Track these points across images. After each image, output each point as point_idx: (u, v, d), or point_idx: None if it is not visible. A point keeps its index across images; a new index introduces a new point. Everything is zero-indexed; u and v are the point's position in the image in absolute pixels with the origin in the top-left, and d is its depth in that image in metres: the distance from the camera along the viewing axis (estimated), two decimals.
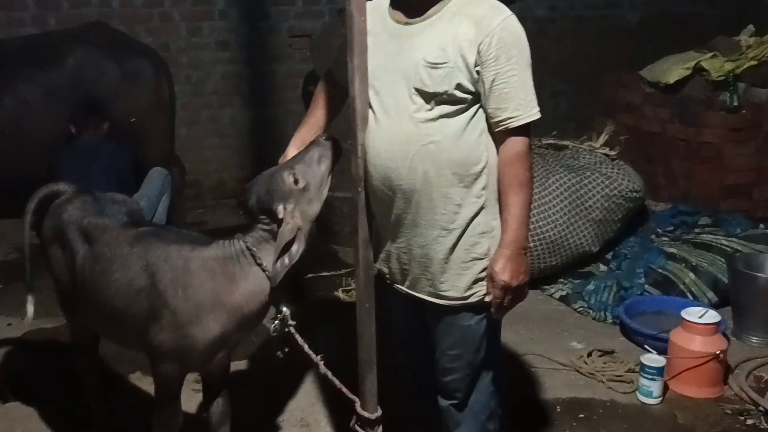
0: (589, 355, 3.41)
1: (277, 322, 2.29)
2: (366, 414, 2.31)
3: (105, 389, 2.92)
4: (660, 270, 3.85)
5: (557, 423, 2.95)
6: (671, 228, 4.17)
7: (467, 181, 1.98)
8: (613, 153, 4.12)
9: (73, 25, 4.99)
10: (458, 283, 2.06)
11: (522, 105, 1.93)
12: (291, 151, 2.31)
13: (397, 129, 1.98)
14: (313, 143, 2.24)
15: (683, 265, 3.83)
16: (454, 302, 2.08)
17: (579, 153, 4.17)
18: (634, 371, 3.24)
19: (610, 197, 3.90)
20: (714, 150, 4.47)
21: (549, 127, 4.41)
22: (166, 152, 4.84)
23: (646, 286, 3.82)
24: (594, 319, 3.81)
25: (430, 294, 2.11)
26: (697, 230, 4.10)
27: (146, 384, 3.21)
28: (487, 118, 1.97)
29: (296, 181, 2.16)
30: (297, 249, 2.13)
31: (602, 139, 4.21)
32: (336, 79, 2.30)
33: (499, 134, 1.97)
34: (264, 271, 2.18)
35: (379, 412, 2.32)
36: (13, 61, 4.54)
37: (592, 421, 2.97)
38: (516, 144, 1.96)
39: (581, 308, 3.87)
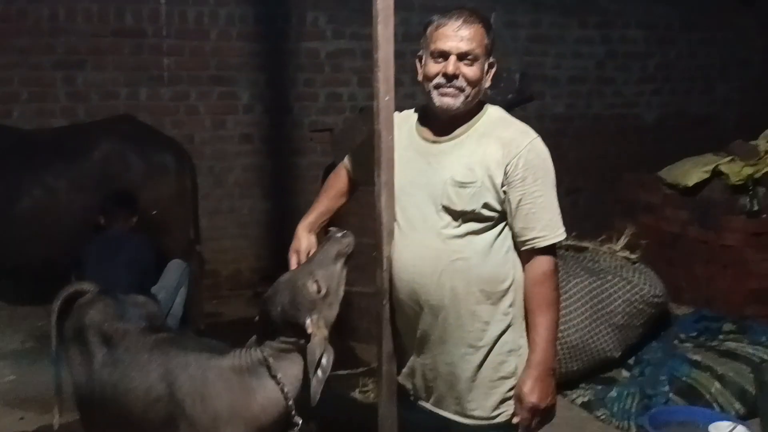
0: None
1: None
2: None
3: None
4: (684, 378, 3.76)
5: None
6: (695, 334, 4.10)
7: (494, 298, 1.98)
8: (634, 257, 4.10)
9: (101, 117, 5.14)
10: (485, 402, 2.03)
11: (548, 225, 1.96)
12: (302, 235, 2.32)
13: (425, 244, 2.00)
14: (328, 240, 2.23)
15: (708, 373, 3.74)
16: (481, 422, 2.05)
17: (599, 255, 4.15)
18: None
19: (632, 302, 3.86)
20: (736, 254, 4.43)
21: (567, 225, 4.38)
22: (186, 243, 4.89)
23: (671, 394, 3.73)
24: (617, 428, 3.70)
25: (456, 413, 2.07)
26: (721, 337, 4.03)
27: None
28: (514, 237, 1.98)
29: (319, 290, 2.14)
30: (328, 360, 2.09)
31: (622, 241, 4.20)
32: (350, 175, 2.33)
33: (525, 253, 1.98)
34: (278, 384, 2.15)
35: None
36: (42, 153, 4.67)
37: None
38: (543, 263, 1.97)
39: (604, 416, 3.76)
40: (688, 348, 4.00)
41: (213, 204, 5.74)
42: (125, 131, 4.82)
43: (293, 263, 2.32)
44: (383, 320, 2.16)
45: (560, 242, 2.00)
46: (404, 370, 2.19)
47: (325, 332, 2.13)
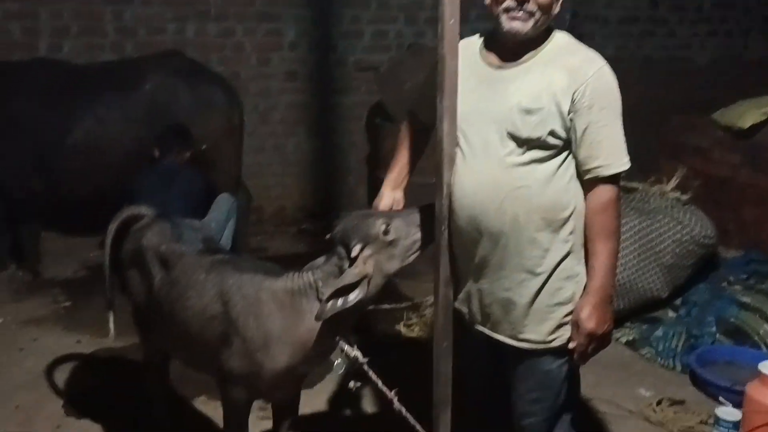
0: (659, 403, 3.33)
1: (339, 360, 2.31)
2: None
3: (173, 408, 2.97)
4: (732, 319, 3.74)
5: None
6: (744, 276, 4.06)
7: (555, 225, 1.98)
8: (684, 197, 4.05)
9: (149, 52, 5.17)
10: (541, 328, 2.05)
11: (613, 154, 1.94)
12: (385, 193, 2.32)
13: (487, 172, 1.99)
14: (423, 209, 2.20)
15: (757, 315, 3.72)
16: (536, 346, 2.07)
17: (649, 196, 4.11)
18: (706, 423, 3.15)
19: (682, 242, 3.83)
20: None
21: None
22: (234, 178, 4.95)
23: (718, 335, 3.73)
24: (662, 366, 3.72)
25: (511, 337, 2.10)
26: None
27: (210, 409, 3.25)
28: (577, 165, 1.97)
29: (386, 232, 2.15)
30: (355, 296, 2.11)
31: (673, 182, 4.15)
32: (420, 118, 2.32)
33: (588, 182, 1.97)
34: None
35: None
36: (93, 86, 4.73)
37: None
38: (605, 192, 1.96)
39: (649, 354, 3.79)
40: (736, 290, 3.97)
41: (258, 141, 5.77)
42: (175, 66, 4.85)
43: None
44: (441, 247, 2.17)
45: (624, 172, 1.98)
46: (460, 295, 2.21)
47: (369, 271, 2.14)
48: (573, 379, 2.16)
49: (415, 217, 2.19)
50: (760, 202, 4.54)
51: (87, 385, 3.48)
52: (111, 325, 2.77)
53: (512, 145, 1.96)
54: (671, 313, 3.98)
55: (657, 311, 3.98)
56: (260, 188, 5.68)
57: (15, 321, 4.18)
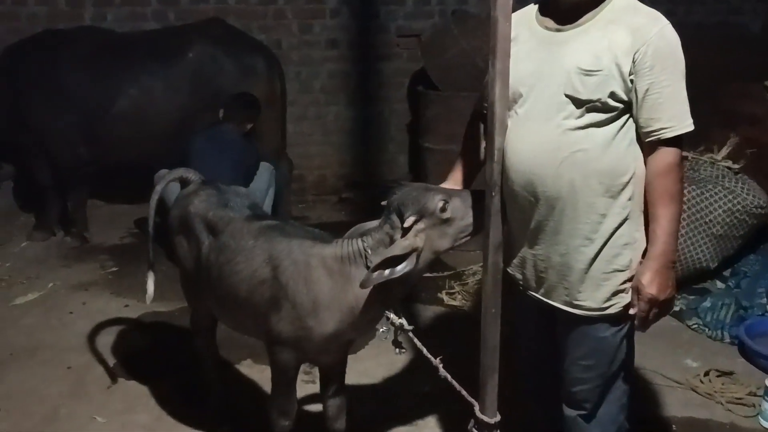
0: (706, 374, 3.28)
1: (385, 328, 2.31)
2: (485, 418, 2.30)
3: (220, 371, 3.02)
4: None
5: None
6: None
7: (613, 191, 1.94)
8: (736, 166, 3.95)
9: (191, 20, 5.19)
10: (597, 294, 2.02)
11: (676, 116, 1.89)
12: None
13: (544, 136, 1.96)
14: (475, 194, 2.17)
15: None
16: (592, 313, 2.04)
17: (699, 165, 4.01)
18: (755, 395, 3.10)
19: (733, 212, 3.74)
20: None
21: None
22: (276, 147, 4.97)
23: None
24: (709, 337, 3.67)
25: (565, 303, 2.07)
26: None
27: (255, 372, 3.31)
28: (638, 128, 1.92)
29: (443, 209, 2.13)
30: (402, 267, 2.09)
31: (724, 151, 4.05)
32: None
33: (649, 145, 1.92)
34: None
35: (498, 417, 2.30)
36: (137, 55, 4.77)
37: None
38: (668, 155, 1.90)
39: (696, 325, 3.73)
40: None
41: (299, 110, 5.78)
42: (217, 34, 4.86)
43: None
44: (492, 212, 2.14)
45: (687, 134, 1.92)
46: (514, 261, 2.19)
47: (419, 244, 2.13)
48: (628, 348, 2.12)
49: (469, 200, 2.17)
50: None
51: (136, 348, 3.56)
52: (150, 285, 2.80)
53: (570, 108, 1.92)
54: (719, 284, 3.90)
55: (705, 282, 3.91)
56: (301, 157, 5.70)
57: (64, 286, 4.29)
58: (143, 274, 4.31)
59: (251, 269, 2.35)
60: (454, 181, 2.31)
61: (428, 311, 3.98)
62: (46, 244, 4.94)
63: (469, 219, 2.15)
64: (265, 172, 4.52)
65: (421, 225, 2.13)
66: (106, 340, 3.60)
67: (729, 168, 3.95)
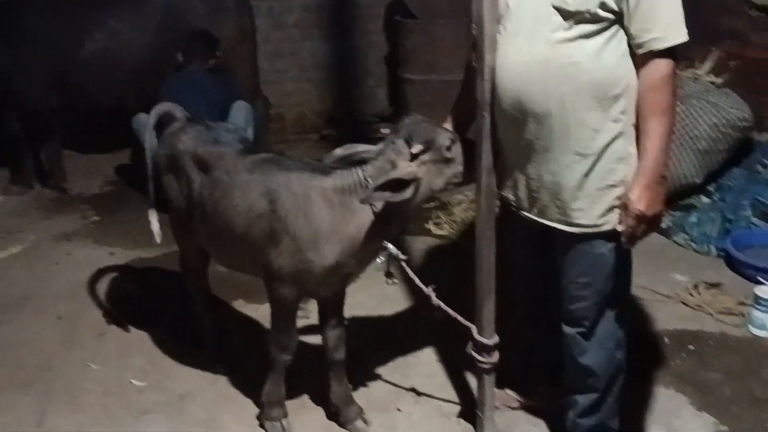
0: (695, 287, 3.33)
1: (383, 258, 2.31)
2: (483, 340, 2.32)
3: (215, 312, 3.01)
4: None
5: (667, 354, 2.90)
6: None
7: (605, 104, 1.90)
8: (719, 81, 3.92)
9: None
10: (591, 211, 2.00)
11: (669, 25, 1.83)
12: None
13: (533, 51, 1.91)
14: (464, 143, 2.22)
15: None
16: (587, 230, 2.03)
17: (682, 81, 3.97)
18: (744, 304, 3.16)
19: (718, 127, 3.73)
20: None
21: None
22: (250, 85, 4.87)
23: (753, 218, 3.69)
24: (696, 251, 3.71)
25: (559, 221, 2.06)
26: None
27: (250, 310, 3.31)
28: (630, 39, 1.87)
29: (449, 148, 2.17)
30: (402, 194, 2.10)
31: (707, 65, 4.01)
32: None
33: (642, 57, 1.87)
34: (372, 205, 2.18)
35: (497, 339, 2.33)
36: None
37: (702, 353, 2.91)
38: (661, 67, 1.86)
39: (683, 241, 3.77)
40: None
41: (273, 46, 5.64)
42: None
43: None
44: (483, 133, 2.12)
45: (681, 44, 1.87)
46: (507, 182, 2.17)
47: (420, 176, 2.14)
48: (625, 264, 2.11)
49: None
50: None
51: (126, 294, 3.53)
52: (154, 224, 2.74)
53: (559, 19, 1.87)
54: (705, 199, 3.92)
55: (690, 198, 3.93)
56: (279, 95, 5.60)
57: (47, 237, 4.22)
58: (126, 222, 4.32)
59: (248, 203, 2.31)
60: (456, 114, 2.29)
61: (417, 242, 3.97)
62: (24, 198, 4.84)
63: (461, 168, 2.20)
64: (242, 110, 4.41)
65: (425, 157, 2.15)
66: (95, 288, 3.56)
67: (712, 82, 3.92)
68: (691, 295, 3.28)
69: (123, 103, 4.48)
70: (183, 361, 2.95)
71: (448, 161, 2.18)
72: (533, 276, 2.33)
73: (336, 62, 5.86)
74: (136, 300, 3.47)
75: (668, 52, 1.86)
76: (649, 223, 1.94)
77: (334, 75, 5.89)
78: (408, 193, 2.11)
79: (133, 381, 2.85)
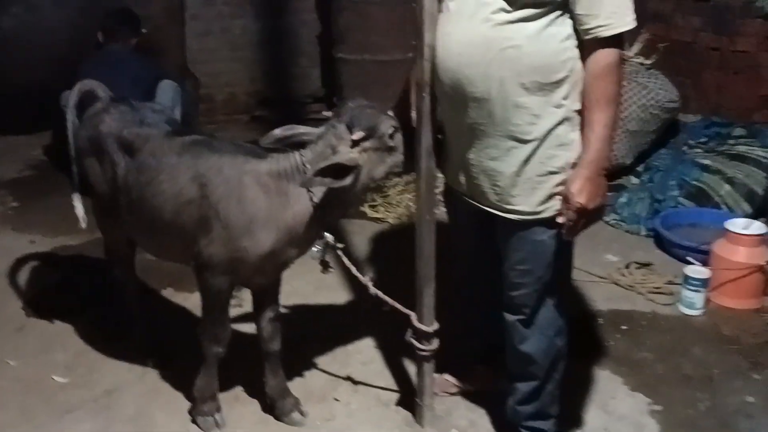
0: (627, 267, 3.40)
1: (319, 246, 2.25)
2: (423, 327, 2.29)
3: (143, 301, 2.89)
4: (694, 182, 3.79)
5: (601, 335, 2.94)
6: (704, 140, 4.07)
7: (547, 89, 1.85)
8: (648, 62, 3.99)
9: None
10: (531, 198, 1.96)
11: (615, 12, 1.79)
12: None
13: (474, 32, 1.85)
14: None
15: (718, 176, 3.77)
16: (526, 217, 1.99)
17: None
18: (673, 283, 3.23)
19: (647, 108, 3.80)
20: (749, 59, 4.31)
21: None
22: (178, 65, 4.73)
23: (680, 198, 3.78)
24: (627, 231, 3.79)
25: (499, 208, 2.02)
26: (731, 141, 3.99)
27: (180, 299, 3.20)
28: (576, 25, 1.83)
29: (392, 137, 2.12)
30: (341, 180, 2.05)
31: (636, 47, 4.07)
32: None
33: (587, 44, 1.83)
34: (309, 191, 2.12)
35: (436, 326, 2.30)
36: None
37: (635, 332, 2.97)
38: (606, 56, 1.82)
39: (614, 221, 3.83)
40: (697, 153, 3.99)
41: (203, 25, 5.47)
42: None
43: None
44: (423, 114, 2.07)
45: (627, 32, 1.83)
46: (449, 165, 2.13)
47: (361, 163, 2.09)
48: (565, 251, 2.07)
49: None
50: (720, 66, 4.50)
51: (48, 284, 3.36)
52: (78, 209, 2.60)
53: (501, 2, 1.81)
54: (634, 180, 4.00)
55: (620, 178, 4.00)
56: (209, 75, 5.45)
57: None
58: (47, 208, 4.12)
59: (176, 188, 2.20)
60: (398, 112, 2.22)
61: (353, 225, 3.92)
62: None
63: (401, 158, 2.17)
64: (168, 89, 4.25)
65: (367, 144, 2.10)
66: (15, 278, 3.37)
67: (642, 64, 3.98)
68: (623, 275, 3.34)
69: (42, 85, 4.26)
70: (109, 354, 2.82)
71: (390, 149, 2.13)
72: (477, 259, 2.29)
73: (268, 41, 5.72)
74: (58, 290, 3.30)
75: (614, 40, 1.82)
76: (590, 215, 1.91)
77: (266, 54, 5.76)
78: (348, 180, 2.06)
79: (55, 377, 2.71)
